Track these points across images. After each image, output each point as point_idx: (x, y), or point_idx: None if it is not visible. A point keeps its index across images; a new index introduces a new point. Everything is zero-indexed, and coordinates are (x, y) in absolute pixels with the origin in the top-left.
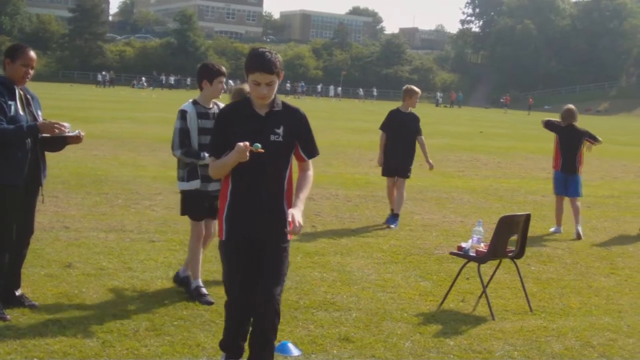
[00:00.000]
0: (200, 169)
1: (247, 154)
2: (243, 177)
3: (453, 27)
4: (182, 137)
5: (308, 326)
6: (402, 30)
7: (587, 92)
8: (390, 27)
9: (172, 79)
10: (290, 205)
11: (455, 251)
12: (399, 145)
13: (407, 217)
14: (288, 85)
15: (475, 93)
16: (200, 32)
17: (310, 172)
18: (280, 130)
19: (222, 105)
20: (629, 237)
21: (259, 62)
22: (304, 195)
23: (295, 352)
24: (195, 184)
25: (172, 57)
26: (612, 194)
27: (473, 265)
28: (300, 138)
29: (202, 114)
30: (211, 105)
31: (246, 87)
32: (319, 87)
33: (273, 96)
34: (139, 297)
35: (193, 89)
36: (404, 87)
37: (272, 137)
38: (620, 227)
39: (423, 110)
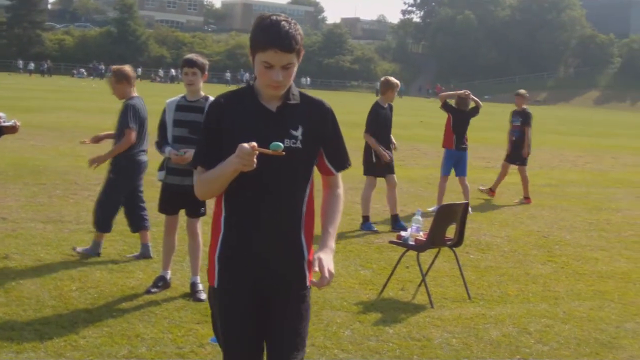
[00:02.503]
0: (169, 161)
1: (255, 160)
2: (244, 197)
3: (394, 17)
4: (158, 130)
5: None
6: (343, 20)
7: (526, 82)
8: (332, 17)
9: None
10: (310, 238)
11: (395, 240)
12: (387, 141)
13: (347, 207)
14: (228, 74)
15: (416, 83)
16: (140, 21)
17: (341, 191)
18: (299, 132)
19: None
20: (566, 225)
21: (272, 36)
22: (334, 227)
23: None
24: (159, 175)
25: (113, 46)
26: (550, 183)
27: (412, 254)
28: (325, 142)
29: (181, 106)
30: (196, 98)
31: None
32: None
33: (289, 85)
34: (77, 288)
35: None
36: (385, 80)
37: (288, 142)
38: (557, 216)
39: (363, 101)
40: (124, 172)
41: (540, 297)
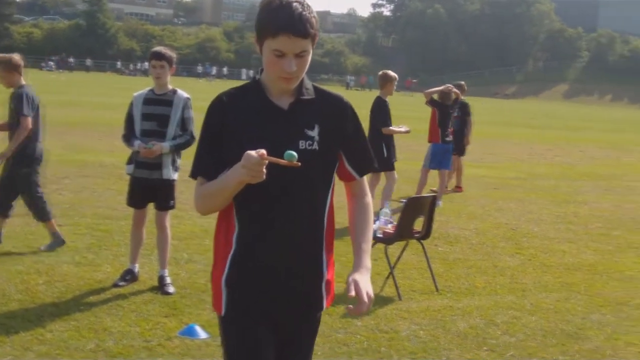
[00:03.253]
0: (137, 155)
1: (264, 171)
2: (254, 211)
3: (365, 10)
4: (126, 123)
5: None
6: None
7: (495, 75)
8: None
9: (88, 62)
10: (331, 254)
11: None
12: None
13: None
14: (200, 68)
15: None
16: (110, 13)
17: (369, 199)
18: (315, 132)
19: (183, 93)
20: (534, 217)
21: (284, 19)
22: (367, 242)
23: (202, 335)
24: (128, 169)
25: (82, 39)
26: (518, 176)
27: (381, 246)
28: (346, 143)
29: (149, 100)
30: (164, 91)
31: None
32: (225, 69)
33: (302, 76)
34: (45, 282)
35: (101, 70)
36: (383, 73)
37: (303, 144)
38: (525, 208)
39: None
40: (26, 161)
41: (507, 289)
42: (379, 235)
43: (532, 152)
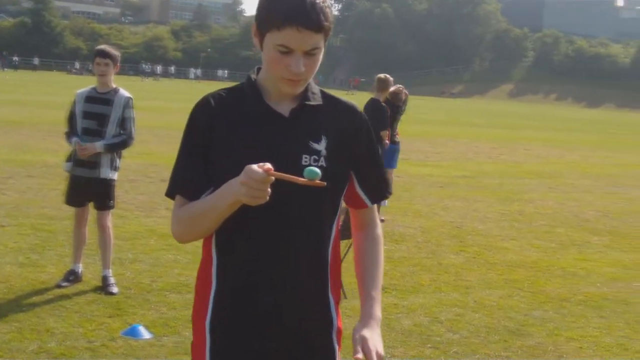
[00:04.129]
0: (76, 153)
1: (269, 191)
2: (246, 239)
3: None
4: (68, 121)
5: (160, 309)
6: None
7: (443, 75)
8: (250, 9)
9: (36, 60)
10: (338, 295)
11: None
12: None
13: None
14: (148, 66)
15: (334, 76)
16: (56, 12)
17: (379, 232)
18: (322, 146)
19: (124, 92)
20: (479, 215)
21: (294, 7)
22: (377, 288)
23: (146, 335)
24: (66, 167)
25: (27, 37)
26: (464, 175)
27: None
28: (358, 162)
29: (90, 98)
30: (106, 90)
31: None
32: (172, 68)
33: (310, 79)
34: None
35: (47, 69)
36: (384, 77)
37: (306, 159)
38: (470, 206)
39: None
40: None
41: (452, 287)
42: None
43: (477, 151)
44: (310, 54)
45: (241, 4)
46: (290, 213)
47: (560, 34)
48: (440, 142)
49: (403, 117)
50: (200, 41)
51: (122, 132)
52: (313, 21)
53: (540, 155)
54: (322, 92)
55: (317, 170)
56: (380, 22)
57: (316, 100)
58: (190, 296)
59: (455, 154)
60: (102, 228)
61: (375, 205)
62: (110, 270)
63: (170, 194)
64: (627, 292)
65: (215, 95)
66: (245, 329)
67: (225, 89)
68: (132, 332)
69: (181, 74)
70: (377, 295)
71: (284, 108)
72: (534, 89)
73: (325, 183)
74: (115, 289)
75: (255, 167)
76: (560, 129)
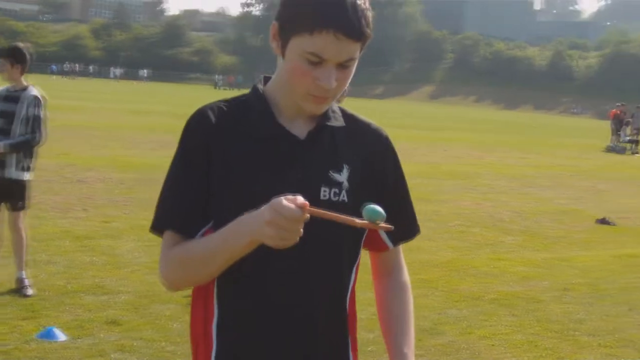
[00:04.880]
0: None
1: (301, 231)
2: (248, 291)
3: (235, 10)
4: None
5: (75, 310)
6: (183, 12)
7: (364, 76)
8: (172, 8)
9: None
10: (356, 349)
11: None
12: None
13: None
14: (67, 65)
15: (255, 75)
16: None
17: (407, 278)
18: (343, 176)
19: (32, 90)
20: None
21: (333, 9)
22: (410, 344)
23: (61, 337)
24: None
25: None
26: None
27: None
28: (383, 196)
29: (1, 97)
30: (16, 88)
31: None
32: (91, 67)
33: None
34: None
35: None
36: None
37: (325, 193)
38: None
39: (203, 93)
40: None
41: (367, 287)
42: None
43: (398, 151)
44: (344, 66)
45: (163, 2)
46: (308, 260)
47: (480, 36)
48: None
49: None
50: (120, 40)
51: (28, 131)
52: (354, 27)
53: (459, 156)
54: (342, 111)
55: (379, 209)
56: None
57: (337, 121)
58: (106, 297)
59: None
60: (14, 229)
61: (400, 247)
62: (25, 272)
63: (157, 228)
64: (538, 290)
65: (215, 108)
66: None
67: (226, 100)
68: (47, 335)
69: (101, 74)
70: (410, 352)
71: (299, 129)
72: (454, 91)
73: (393, 227)
74: (30, 291)
75: (285, 202)
76: (479, 130)
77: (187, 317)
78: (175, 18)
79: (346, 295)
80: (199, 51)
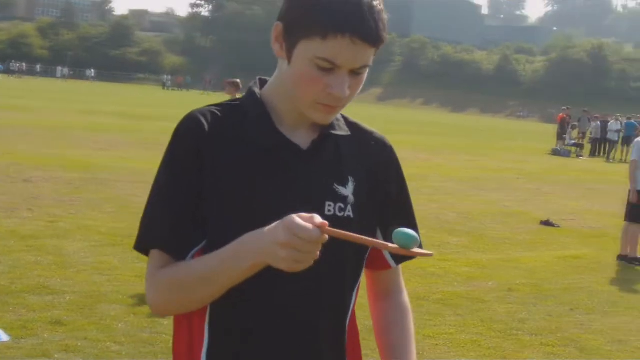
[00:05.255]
0: None
1: (318, 254)
2: (243, 314)
3: (183, 10)
4: None
5: (19, 311)
6: (131, 12)
7: None
8: (120, 8)
9: None
10: None
11: None
12: None
13: (125, 200)
14: (14, 64)
15: (204, 76)
16: None
17: (407, 299)
18: (349, 190)
19: None
20: None
21: (349, 12)
22: None
23: (4, 337)
24: None
25: None
26: None
27: None
28: (386, 211)
29: None
30: None
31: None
32: (38, 67)
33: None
34: None
35: None
36: (236, 81)
37: (330, 208)
38: None
39: (151, 94)
40: None
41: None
42: None
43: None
44: (357, 72)
45: (110, 2)
46: (311, 282)
47: (427, 39)
48: None
49: None
50: (67, 39)
51: None
52: (372, 31)
53: (407, 159)
54: (345, 119)
55: (415, 235)
56: (250, 24)
57: (342, 130)
58: (51, 298)
59: None
60: None
61: (400, 267)
62: None
63: (141, 246)
64: (482, 290)
65: (207, 113)
66: None
67: (219, 105)
68: None
69: (48, 73)
70: None
71: (302, 138)
72: (402, 93)
73: (432, 253)
74: None
75: (302, 222)
76: (427, 133)
77: (132, 318)
78: (123, 18)
79: (345, 318)
80: (147, 51)
